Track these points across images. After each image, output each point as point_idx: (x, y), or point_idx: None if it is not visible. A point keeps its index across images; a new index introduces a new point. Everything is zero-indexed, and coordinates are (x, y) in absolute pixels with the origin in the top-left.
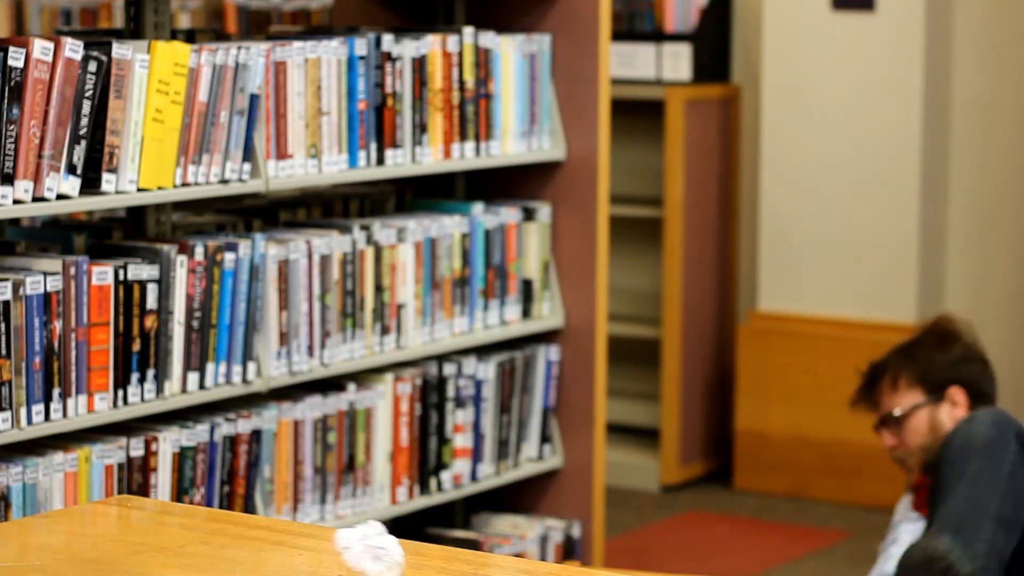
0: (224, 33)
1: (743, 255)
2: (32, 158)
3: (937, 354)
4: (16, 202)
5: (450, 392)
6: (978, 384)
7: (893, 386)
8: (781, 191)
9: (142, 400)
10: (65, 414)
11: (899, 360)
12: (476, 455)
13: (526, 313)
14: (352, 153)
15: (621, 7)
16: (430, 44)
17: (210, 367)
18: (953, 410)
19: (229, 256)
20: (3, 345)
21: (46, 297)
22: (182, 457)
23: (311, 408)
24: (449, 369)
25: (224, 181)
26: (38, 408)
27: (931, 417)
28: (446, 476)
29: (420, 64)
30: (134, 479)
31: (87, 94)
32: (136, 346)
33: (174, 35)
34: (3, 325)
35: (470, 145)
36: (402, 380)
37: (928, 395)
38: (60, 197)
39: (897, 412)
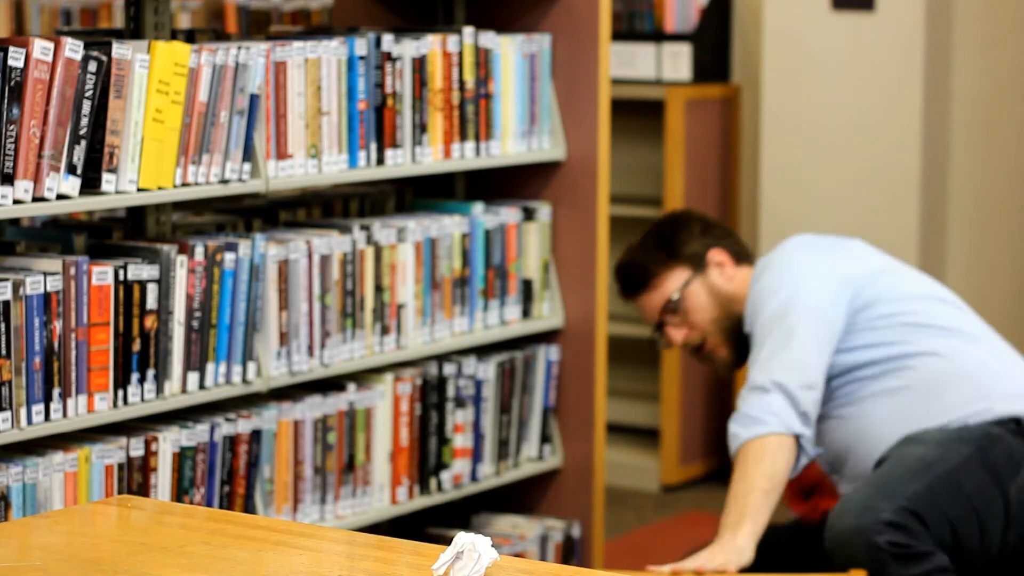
0: (224, 33)
1: None
2: (32, 158)
3: (682, 233)
4: (16, 202)
5: (450, 392)
6: (732, 243)
7: (658, 276)
8: (781, 191)
9: (142, 400)
10: (65, 414)
11: (649, 252)
12: (476, 455)
13: (526, 313)
14: (352, 153)
15: (621, 7)
16: (430, 44)
17: (210, 367)
18: (722, 271)
19: (229, 256)
20: (3, 345)
21: (46, 297)
22: (182, 457)
23: (311, 408)
24: (449, 369)
25: (224, 181)
26: (38, 408)
27: (706, 286)
28: (446, 476)
29: (420, 64)
30: (134, 479)
31: (87, 94)
32: (136, 346)
33: (174, 35)
34: (3, 325)
35: (470, 145)
36: (402, 380)
37: (692, 268)
38: (60, 197)
39: (675, 296)
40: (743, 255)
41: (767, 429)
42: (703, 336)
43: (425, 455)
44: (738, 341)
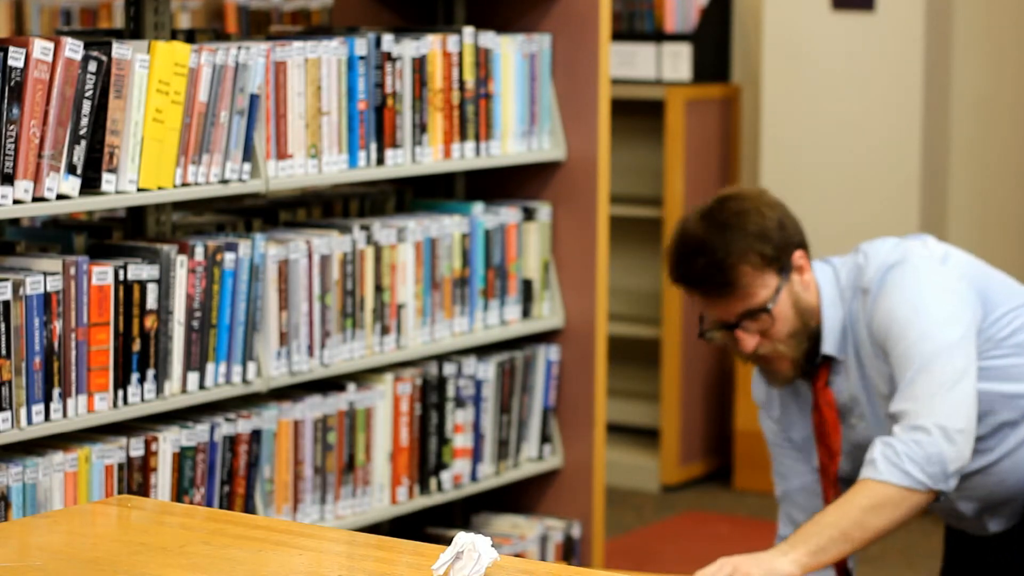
0: (224, 33)
1: None
2: (32, 158)
3: (769, 229)
4: (16, 202)
5: (450, 392)
6: (803, 238)
7: (751, 283)
8: (781, 191)
9: (142, 400)
10: (65, 414)
11: (735, 249)
12: (476, 455)
13: (526, 313)
14: (352, 153)
15: (621, 7)
16: (430, 44)
17: (210, 367)
18: (801, 277)
19: (229, 256)
20: (3, 345)
21: (46, 297)
22: (182, 457)
23: (311, 408)
24: (449, 369)
25: (224, 181)
26: (38, 408)
27: (791, 296)
28: (446, 476)
29: (420, 64)
30: (134, 479)
31: (87, 94)
32: (136, 346)
33: (174, 35)
34: (3, 325)
35: (470, 145)
36: (402, 380)
37: (780, 273)
38: (60, 197)
39: (770, 306)
40: (807, 249)
41: (906, 482)
42: (775, 348)
43: (425, 455)
44: (807, 359)
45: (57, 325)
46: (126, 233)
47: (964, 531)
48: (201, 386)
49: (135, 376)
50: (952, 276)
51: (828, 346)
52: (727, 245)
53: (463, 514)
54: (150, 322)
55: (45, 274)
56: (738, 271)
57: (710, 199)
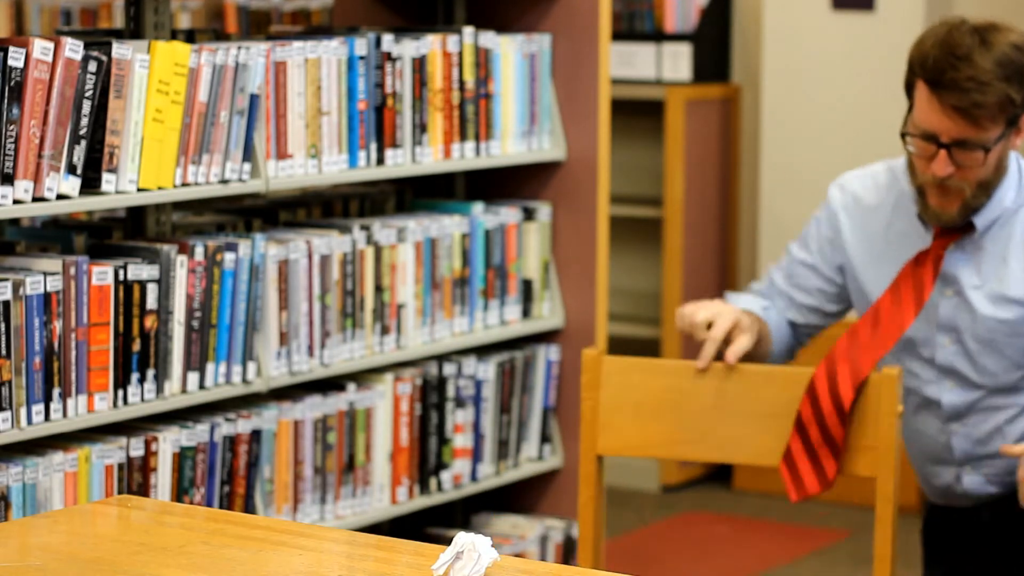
0: (224, 33)
1: (743, 255)
2: (32, 158)
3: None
4: (16, 202)
5: (450, 392)
6: None
7: (991, 119)
8: (781, 191)
9: (142, 400)
10: (65, 414)
11: (998, 76)
12: (476, 455)
13: (526, 313)
14: (352, 153)
15: (621, 7)
16: (430, 44)
17: (210, 367)
18: (1017, 140)
19: (229, 256)
20: (3, 345)
21: (46, 297)
22: (182, 457)
23: (311, 408)
24: (449, 369)
25: (224, 181)
26: (38, 408)
27: (1004, 151)
28: (446, 476)
29: (420, 64)
30: (134, 479)
31: (87, 94)
32: (136, 346)
33: (174, 35)
34: (3, 325)
35: (470, 145)
36: (402, 380)
37: (1008, 125)
38: (60, 197)
39: (990, 147)
40: None
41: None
42: (961, 186)
43: (425, 455)
44: (974, 212)
45: (57, 325)
46: (126, 233)
47: (940, 497)
48: (201, 386)
49: (135, 376)
50: None
51: (982, 220)
52: (992, 72)
53: (463, 514)
54: (150, 322)
55: (45, 274)
56: (987, 101)
57: (981, 20)
